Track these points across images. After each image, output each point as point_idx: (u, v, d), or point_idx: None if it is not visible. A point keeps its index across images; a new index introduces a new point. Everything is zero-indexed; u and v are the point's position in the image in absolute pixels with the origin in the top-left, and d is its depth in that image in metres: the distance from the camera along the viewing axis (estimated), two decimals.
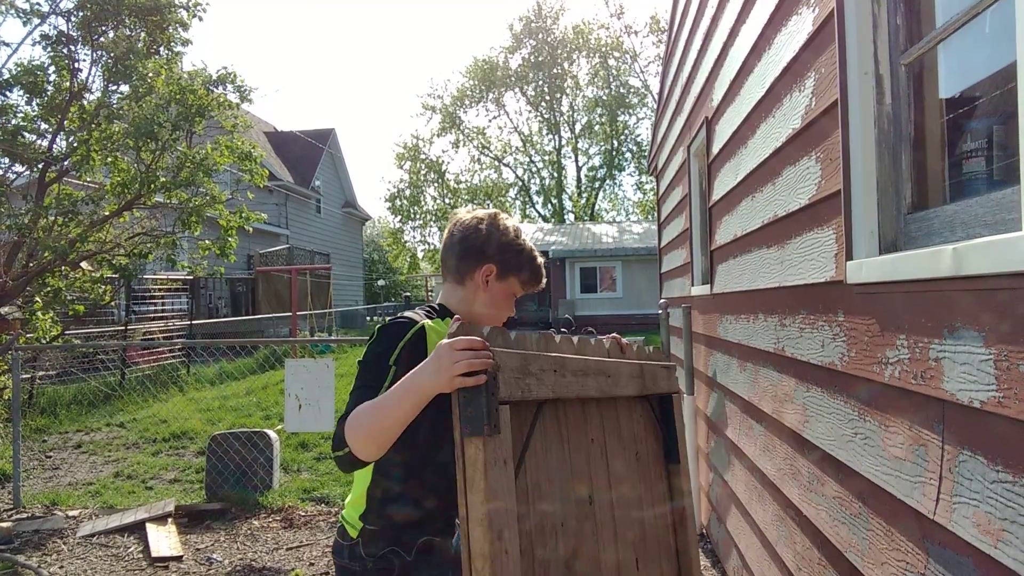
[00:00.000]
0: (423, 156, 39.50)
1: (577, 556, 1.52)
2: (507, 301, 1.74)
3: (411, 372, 1.35)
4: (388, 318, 1.71)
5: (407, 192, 39.59)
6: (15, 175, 7.34)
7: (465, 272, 1.70)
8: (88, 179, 7.47)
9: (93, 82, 7.36)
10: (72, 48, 7.08)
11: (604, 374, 1.67)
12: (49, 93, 6.98)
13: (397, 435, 1.37)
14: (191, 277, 12.17)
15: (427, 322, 1.60)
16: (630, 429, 1.83)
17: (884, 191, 1.62)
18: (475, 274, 1.69)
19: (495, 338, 1.35)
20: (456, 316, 1.50)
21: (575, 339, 1.70)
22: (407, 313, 1.64)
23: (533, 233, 27.32)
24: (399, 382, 1.37)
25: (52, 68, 7.05)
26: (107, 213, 7.18)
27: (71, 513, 4.99)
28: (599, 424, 1.71)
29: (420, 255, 42.73)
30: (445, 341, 1.32)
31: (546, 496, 1.47)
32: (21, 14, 6.88)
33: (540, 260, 1.77)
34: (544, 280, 1.79)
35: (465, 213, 1.76)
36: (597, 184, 40.24)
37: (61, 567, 4.04)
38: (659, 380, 1.91)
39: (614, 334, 1.90)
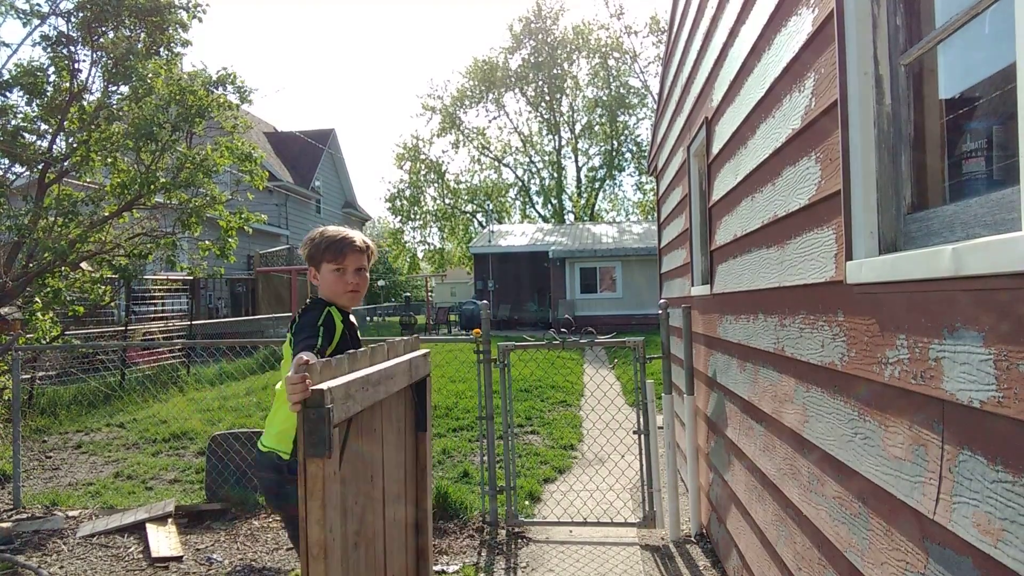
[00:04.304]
0: (423, 156, 39.53)
1: (363, 524, 1.94)
2: (337, 279, 2.33)
3: None
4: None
5: (407, 192, 39.61)
6: (15, 176, 7.34)
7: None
8: (88, 180, 7.46)
9: (93, 83, 7.37)
10: (72, 49, 7.08)
11: (389, 378, 2.09)
12: (49, 94, 6.98)
13: None
14: (191, 278, 12.16)
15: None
16: (398, 411, 2.33)
17: (884, 191, 1.62)
18: (310, 276, 2.42)
19: (319, 373, 1.64)
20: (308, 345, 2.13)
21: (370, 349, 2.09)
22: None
23: (533, 233, 27.32)
24: None
25: (52, 69, 7.05)
26: (107, 214, 7.18)
27: (71, 513, 4.99)
28: (380, 415, 2.13)
29: (420, 255, 42.74)
30: (288, 374, 1.68)
31: (351, 487, 1.87)
32: (21, 15, 6.88)
33: (339, 238, 2.32)
34: (347, 248, 2.31)
35: None
36: (597, 184, 40.25)
37: (61, 567, 4.04)
38: (420, 369, 2.46)
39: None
